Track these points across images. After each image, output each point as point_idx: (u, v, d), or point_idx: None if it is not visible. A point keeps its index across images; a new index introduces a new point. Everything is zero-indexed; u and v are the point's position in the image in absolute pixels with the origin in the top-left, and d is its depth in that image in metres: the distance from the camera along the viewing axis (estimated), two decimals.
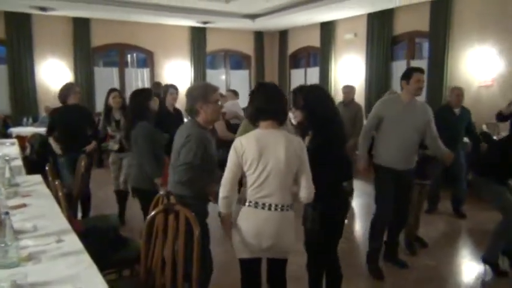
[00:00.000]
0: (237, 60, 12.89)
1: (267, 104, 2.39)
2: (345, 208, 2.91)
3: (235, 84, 11.65)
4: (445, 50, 8.03)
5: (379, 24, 9.31)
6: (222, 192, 2.36)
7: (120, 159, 5.12)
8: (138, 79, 10.88)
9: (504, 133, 5.97)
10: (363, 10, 9.34)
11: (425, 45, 8.78)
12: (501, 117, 5.52)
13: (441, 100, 7.70)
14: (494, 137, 5.99)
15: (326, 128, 2.69)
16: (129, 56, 10.79)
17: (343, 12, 9.58)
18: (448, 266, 4.01)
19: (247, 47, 12.45)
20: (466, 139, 5.77)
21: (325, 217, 2.70)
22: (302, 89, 2.82)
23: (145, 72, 11.04)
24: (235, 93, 7.19)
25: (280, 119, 2.42)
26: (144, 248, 2.36)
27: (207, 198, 2.78)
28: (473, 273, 3.89)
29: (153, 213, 2.33)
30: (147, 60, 11.08)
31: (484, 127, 6.54)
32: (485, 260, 3.79)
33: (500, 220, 3.68)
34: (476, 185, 3.91)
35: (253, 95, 2.48)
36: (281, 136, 2.37)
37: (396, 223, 3.85)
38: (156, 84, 8.08)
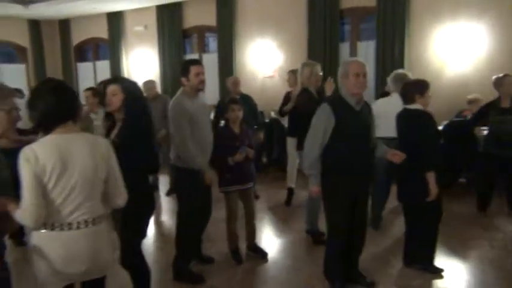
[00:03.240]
0: (8, 53, 11.07)
1: (63, 104, 2.00)
2: (150, 203, 2.81)
3: (9, 80, 9.96)
4: (232, 44, 8.56)
5: (169, 17, 9.30)
6: (33, 223, 1.91)
7: None
8: None
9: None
10: (151, 2, 9.16)
11: (214, 39, 9.19)
12: (282, 113, 5.86)
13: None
14: None
15: (138, 120, 2.61)
16: None
17: (130, 3, 9.21)
18: None
19: (21, 38, 10.79)
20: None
21: (130, 213, 2.46)
22: (117, 80, 2.74)
23: None
24: (19, 92, 6.09)
25: (75, 119, 2.08)
26: None
27: None
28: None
29: None
30: None
31: (272, 114, 7.23)
32: (307, 231, 4.23)
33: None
34: None
35: (38, 96, 2.02)
36: (84, 140, 2.03)
37: None
38: None
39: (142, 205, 2.64)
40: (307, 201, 4.19)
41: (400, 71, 4.51)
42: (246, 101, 5.58)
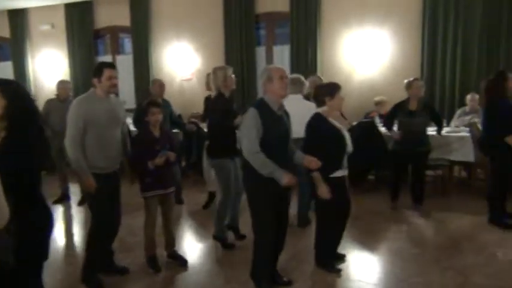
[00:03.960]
0: None
1: None
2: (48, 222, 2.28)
3: None
4: (147, 46, 8.34)
5: (79, 17, 8.84)
6: None
7: None
8: None
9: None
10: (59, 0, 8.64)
11: (129, 40, 8.88)
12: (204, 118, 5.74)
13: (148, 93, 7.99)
14: None
15: (25, 130, 2.12)
16: None
17: (35, 0, 8.60)
18: None
19: None
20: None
21: (26, 237, 2.04)
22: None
23: None
24: None
25: None
26: None
27: None
28: None
29: None
30: None
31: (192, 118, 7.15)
32: (215, 237, 4.16)
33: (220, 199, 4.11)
34: None
35: None
36: None
37: None
38: None
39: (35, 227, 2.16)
40: (218, 207, 4.18)
41: (294, 75, 4.70)
42: (167, 107, 5.50)
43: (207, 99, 5.44)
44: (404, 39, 6.98)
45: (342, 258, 3.77)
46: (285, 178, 2.91)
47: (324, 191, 3.30)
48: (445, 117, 6.57)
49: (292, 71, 7.34)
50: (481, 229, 4.38)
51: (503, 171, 4.39)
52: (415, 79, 5.01)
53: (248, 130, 2.98)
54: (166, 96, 5.69)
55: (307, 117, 3.49)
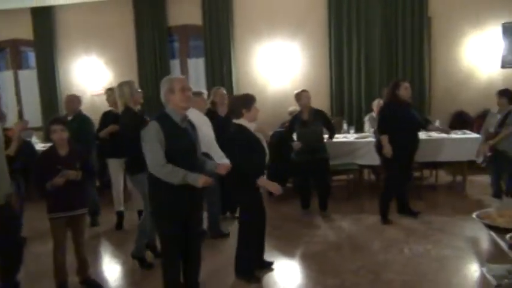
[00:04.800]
0: None
1: None
2: None
3: None
4: (53, 60, 7.89)
5: None
6: None
7: None
8: None
9: None
10: None
11: (32, 54, 8.32)
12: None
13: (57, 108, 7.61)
14: None
15: None
16: None
17: None
18: None
19: None
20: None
21: None
22: None
23: None
24: None
25: None
26: None
27: None
28: None
29: None
30: None
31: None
32: (133, 256, 3.99)
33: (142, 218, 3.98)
34: None
35: None
36: None
37: None
38: None
39: None
40: (141, 224, 4.03)
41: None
42: (83, 121, 5.18)
43: (106, 115, 5.24)
44: (314, 52, 7.34)
45: (269, 265, 3.81)
46: (200, 180, 2.84)
47: (275, 188, 3.42)
48: (354, 123, 7.02)
49: (208, 83, 7.38)
50: (389, 228, 4.68)
51: (390, 174, 4.75)
52: (303, 90, 5.18)
53: (151, 144, 2.89)
54: None
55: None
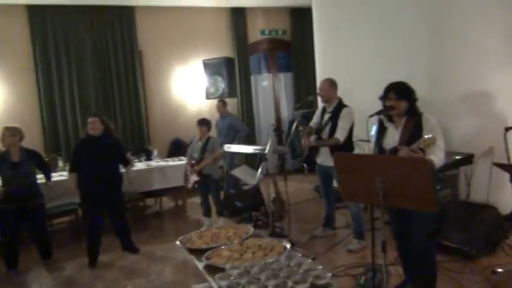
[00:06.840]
0: None
1: None
2: None
3: None
4: None
5: None
6: None
7: None
8: None
9: None
10: None
11: None
12: None
13: None
14: None
15: None
16: None
17: None
18: None
19: None
20: None
21: None
22: None
23: None
24: None
25: None
26: None
27: None
28: None
29: None
30: None
31: None
32: None
33: None
34: None
35: None
36: None
37: None
38: None
39: None
40: None
41: None
42: None
43: None
44: (19, 84, 6.64)
45: None
46: None
47: None
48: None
49: None
50: (111, 267, 4.46)
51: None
52: (6, 127, 4.32)
53: None
54: None
55: None
